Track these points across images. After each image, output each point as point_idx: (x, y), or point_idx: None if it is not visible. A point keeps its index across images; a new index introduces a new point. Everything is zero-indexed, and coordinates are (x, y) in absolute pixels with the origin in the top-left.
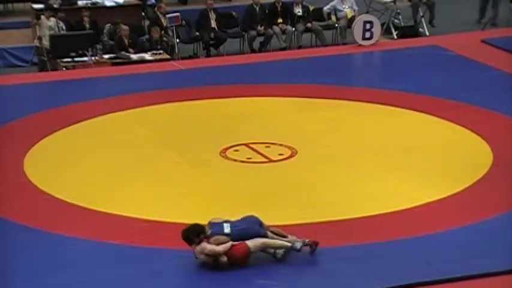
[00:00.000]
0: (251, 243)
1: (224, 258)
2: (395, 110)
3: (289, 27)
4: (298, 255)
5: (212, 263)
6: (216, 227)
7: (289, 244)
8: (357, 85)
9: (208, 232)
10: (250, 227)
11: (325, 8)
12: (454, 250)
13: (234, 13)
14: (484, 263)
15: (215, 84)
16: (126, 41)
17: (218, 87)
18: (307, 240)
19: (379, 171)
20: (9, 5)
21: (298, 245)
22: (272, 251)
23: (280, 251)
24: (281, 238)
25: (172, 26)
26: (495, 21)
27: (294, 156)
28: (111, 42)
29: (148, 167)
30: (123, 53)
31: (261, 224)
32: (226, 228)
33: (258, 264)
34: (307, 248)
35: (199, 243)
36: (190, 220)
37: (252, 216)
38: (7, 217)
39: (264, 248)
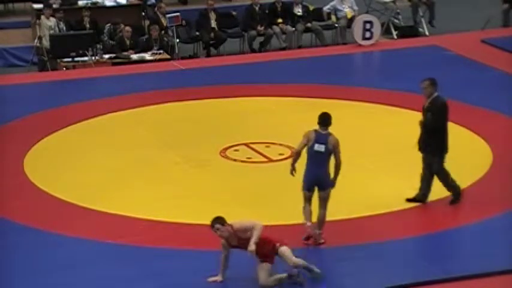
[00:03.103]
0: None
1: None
2: (395, 110)
3: (289, 27)
4: (298, 255)
5: None
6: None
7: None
8: (357, 85)
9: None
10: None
11: (325, 8)
12: (454, 250)
13: (234, 13)
14: (484, 263)
15: (215, 84)
16: (127, 42)
17: (218, 87)
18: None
19: (379, 171)
20: (9, 5)
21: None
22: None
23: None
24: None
25: (172, 26)
26: None
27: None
28: (112, 42)
29: (148, 167)
30: (124, 53)
31: None
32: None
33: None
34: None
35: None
36: (190, 220)
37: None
38: (7, 217)
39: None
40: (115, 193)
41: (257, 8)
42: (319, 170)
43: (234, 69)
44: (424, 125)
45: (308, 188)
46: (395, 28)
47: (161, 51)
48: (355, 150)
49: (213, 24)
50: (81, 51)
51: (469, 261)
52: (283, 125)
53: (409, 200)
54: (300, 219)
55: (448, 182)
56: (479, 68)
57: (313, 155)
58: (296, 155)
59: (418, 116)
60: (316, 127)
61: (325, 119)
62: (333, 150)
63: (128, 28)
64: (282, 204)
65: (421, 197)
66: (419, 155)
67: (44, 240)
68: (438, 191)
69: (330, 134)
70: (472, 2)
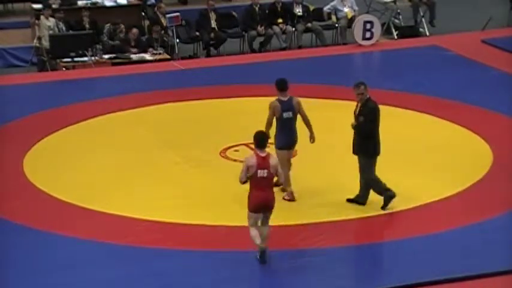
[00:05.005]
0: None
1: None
2: (395, 110)
3: (289, 27)
4: (297, 255)
5: None
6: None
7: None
8: None
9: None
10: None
11: (325, 8)
12: (454, 250)
13: (234, 13)
14: (484, 263)
15: (215, 84)
16: (132, 44)
17: (218, 87)
18: None
19: (379, 171)
20: (9, 5)
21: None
22: None
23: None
24: None
25: (172, 26)
26: None
27: (294, 156)
28: (111, 42)
29: (148, 167)
30: (126, 55)
31: None
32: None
33: (259, 264)
34: None
35: None
36: (190, 220)
37: None
38: (7, 217)
39: None
40: (115, 193)
41: (257, 8)
42: (292, 132)
43: (234, 69)
44: (356, 128)
45: (289, 147)
46: (396, 28)
47: (161, 51)
48: None
49: (213, 24)
50: (80, 52)
51: (469, 261)
52: None
53: (349, 201)
54: (298, 219)
55: (381, 188)
56: (479, 68)
57: (284, 121)
58: (268, 126)
59: (419, 116)
60: (277, 96)
61: (283, 84)
62: (299, 111)
63: (134, 30)
64: (281, 205)
65: (360, 198)
66: (417, 155)
67: (44, 240)
68: (438, 191)
69: (291, 98)
70: (472, 2)
